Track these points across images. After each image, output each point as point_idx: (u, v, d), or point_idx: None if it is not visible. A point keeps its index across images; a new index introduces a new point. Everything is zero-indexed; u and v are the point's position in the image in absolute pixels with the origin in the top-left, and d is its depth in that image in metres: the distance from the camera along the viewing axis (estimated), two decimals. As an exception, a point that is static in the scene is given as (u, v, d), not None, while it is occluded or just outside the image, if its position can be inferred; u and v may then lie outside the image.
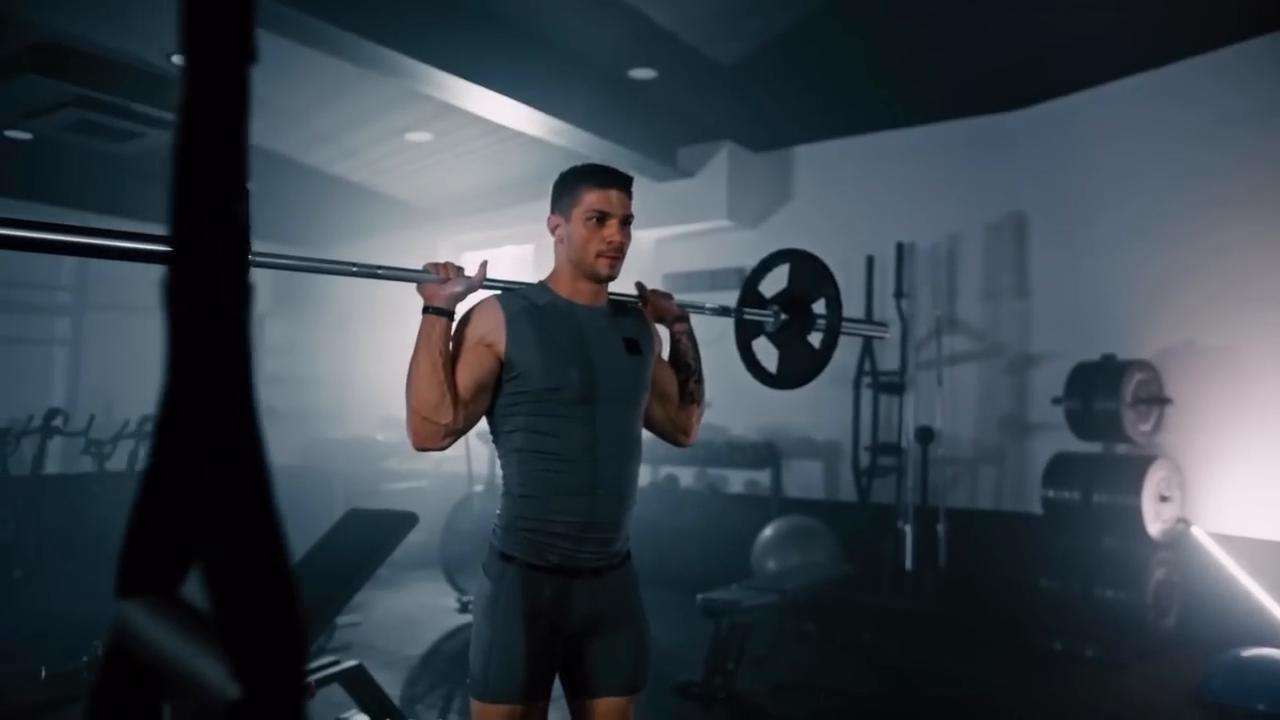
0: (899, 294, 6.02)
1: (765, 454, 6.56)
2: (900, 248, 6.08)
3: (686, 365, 2.20)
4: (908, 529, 5.61)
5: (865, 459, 6.11)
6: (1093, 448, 5.22)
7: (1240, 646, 4.18)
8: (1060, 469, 5.15)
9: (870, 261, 6.14)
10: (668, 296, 2.21)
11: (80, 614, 5.19)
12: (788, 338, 2.43)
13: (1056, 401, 5.19)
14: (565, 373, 1.87)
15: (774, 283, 2.49)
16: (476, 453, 6.25)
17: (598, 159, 6.89)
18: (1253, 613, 4.57)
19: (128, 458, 7.29)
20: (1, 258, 4.94)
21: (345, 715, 3.61)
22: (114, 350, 7.83)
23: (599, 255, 1.95)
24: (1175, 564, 4.92)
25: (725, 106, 6.15)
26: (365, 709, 3.51)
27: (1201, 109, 5.14)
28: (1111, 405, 4.94)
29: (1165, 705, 4.09)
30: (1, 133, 5.90)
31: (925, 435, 5.80)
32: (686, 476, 7.10)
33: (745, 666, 4.26)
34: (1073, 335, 5.56)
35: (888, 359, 6.16)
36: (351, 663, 3.40)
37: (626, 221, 1.98)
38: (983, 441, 6.08)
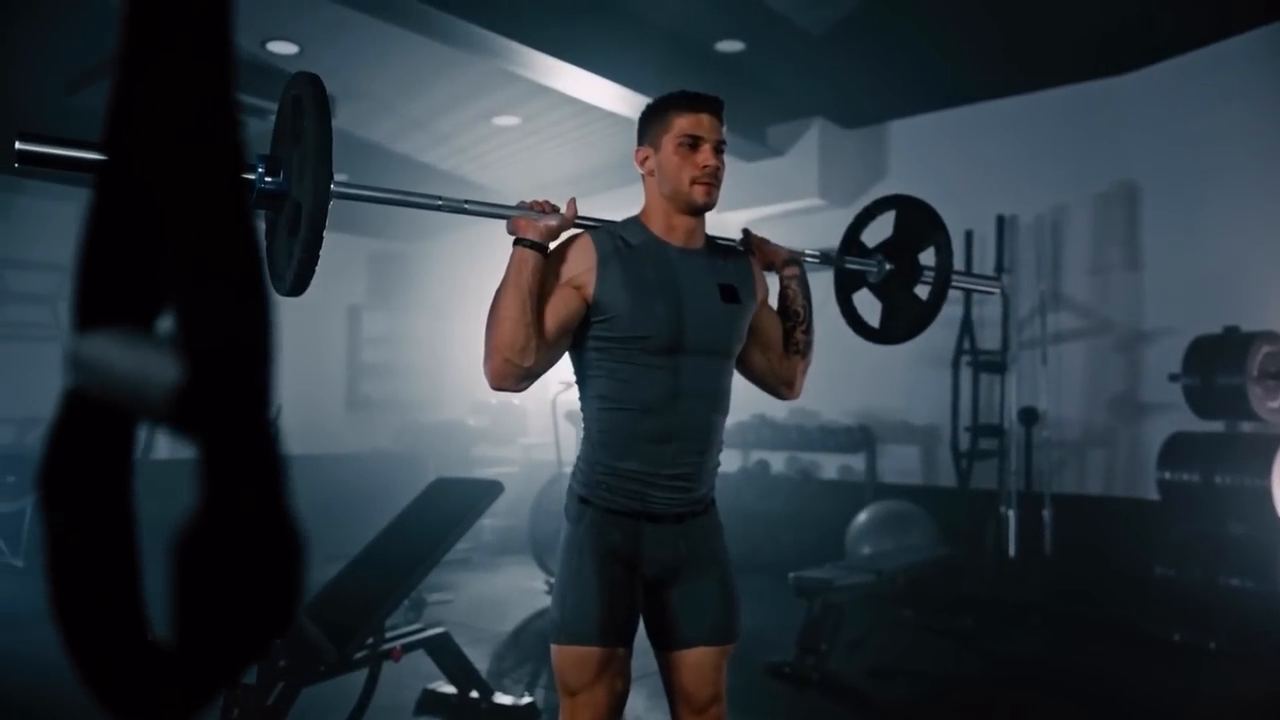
0: (1000, 269, 5.76)
1: (859, 438, 6.36)
2: (1001, 221, 5.82)
3: (795, 313, 2.05)
4: (1011, 515, 5.36)
5: (965, 442, 5.86)
6: (1214, 427, 4.89)
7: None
8: (1178, 449, 4.84)
9: (969, 236, 5.89)
10: (776, 244, 2.09)
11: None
12: (892, 289, 2.28)
13: (1174, 378, 4.87)
14: (653, 321, 1.78)
15: (877, 231, 2.35)
16: (565, 434, 6.23)
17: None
18: (1399, 603, 4.20)
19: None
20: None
21: (433, 685, 3.61)
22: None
23: (694, 182, 1.83)
24: (1309, 551, 4.56)
25: (816, 80, 5.98)
26: (451, 678, 3.50)
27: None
28: (1236, 380, 4.61)
29: (1300, 700, 3.78)
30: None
31: (1029, 416, 5.53)
32: (778, 462, 6.95)
33: (840, 650, 4.12)
34: (1189, 309, 5.21)
35: (988, 338, 5.90)
36: (438, 629, 3.40)
37: (720, 147, 1.86)
38: (1091, 423, 5.76)
